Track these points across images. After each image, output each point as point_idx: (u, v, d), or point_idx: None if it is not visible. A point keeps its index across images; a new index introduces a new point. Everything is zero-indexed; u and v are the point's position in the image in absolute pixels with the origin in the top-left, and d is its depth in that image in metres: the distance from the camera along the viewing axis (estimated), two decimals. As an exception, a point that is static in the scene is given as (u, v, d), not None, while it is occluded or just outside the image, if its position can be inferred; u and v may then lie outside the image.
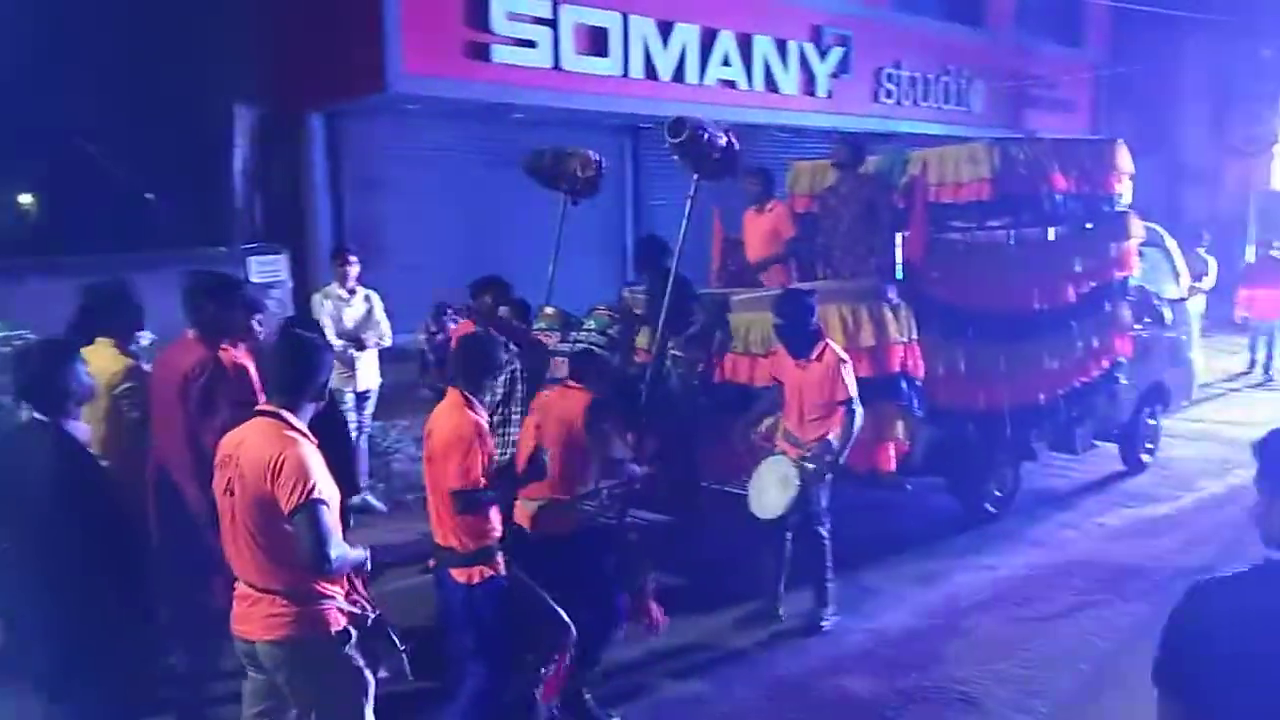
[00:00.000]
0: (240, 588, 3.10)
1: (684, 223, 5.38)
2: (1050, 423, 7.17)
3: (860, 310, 5.67)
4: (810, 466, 4.95)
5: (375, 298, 7.36)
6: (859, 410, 5.03)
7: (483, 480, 3.65)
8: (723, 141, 5.15)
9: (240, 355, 4.16)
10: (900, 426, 5.77)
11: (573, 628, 4.03)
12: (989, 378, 6.45)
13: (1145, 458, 8.44)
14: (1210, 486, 8.08)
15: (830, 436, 4.99)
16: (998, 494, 7.09)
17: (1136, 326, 7.72)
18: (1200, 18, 15.94)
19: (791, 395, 5.19)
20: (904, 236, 6.14)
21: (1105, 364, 7.38)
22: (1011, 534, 6.94)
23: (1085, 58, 16.65)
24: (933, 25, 14.16)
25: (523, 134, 10.39)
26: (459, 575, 3.72)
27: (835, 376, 5.02)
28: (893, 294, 5.82)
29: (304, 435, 3.04)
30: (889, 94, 13.40)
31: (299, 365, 3.13)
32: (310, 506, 2.90)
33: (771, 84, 11.92)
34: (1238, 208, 16.66)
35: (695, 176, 5.29)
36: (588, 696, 4.36)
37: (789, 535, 5.36)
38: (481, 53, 9.14)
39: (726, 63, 11.35)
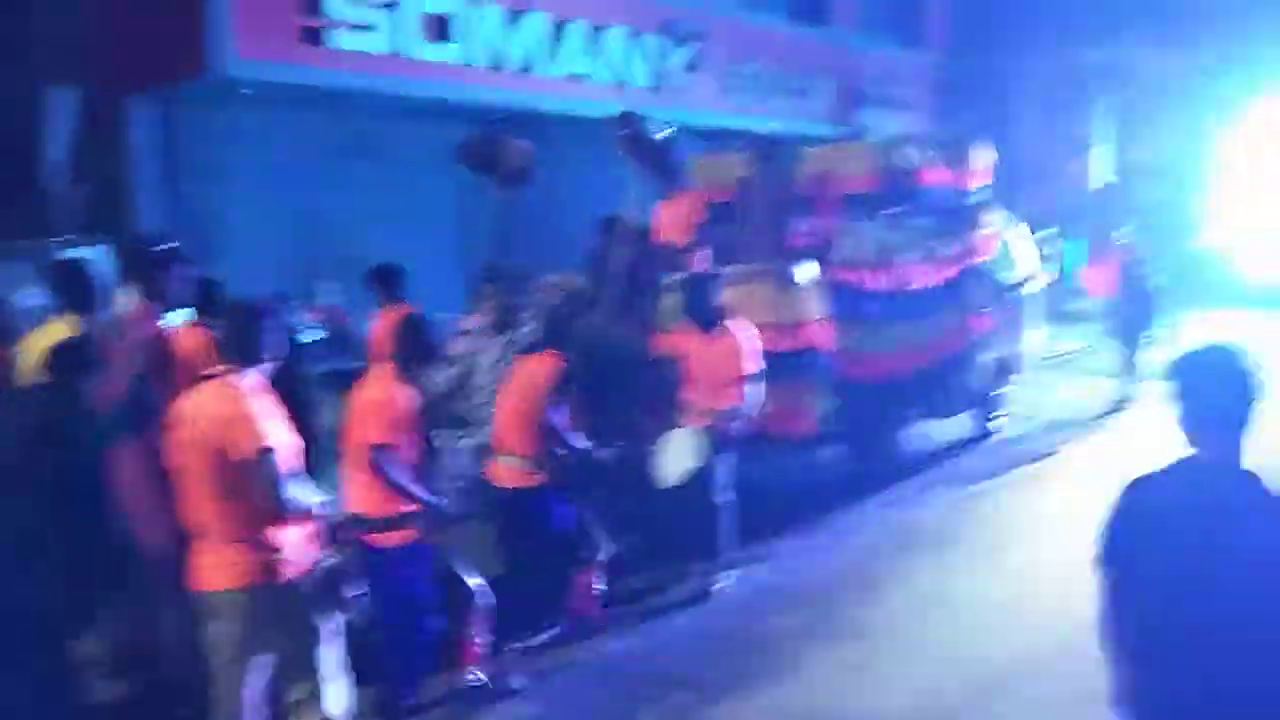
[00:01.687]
0: (198, 542, 3.28)
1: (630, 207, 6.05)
2: (926, 391, 7.91)
3: (780, 291, 6.23)
4: (705, 438, 5.19)
5: None
6: (761, 385, 5.37)
7: (392, 438, 3.87)
8: (660, 136, 5.82)
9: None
10: (816, 395, 6.40)
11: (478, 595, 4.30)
12: (880, 350, 7.18)
13: (995, 423, 9.29)
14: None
15: (730, 406, 5.29)
16: (889, 454, 7.92)
17: (987, 307, 8.46)
18: (1032, 20, 16.86)
19: (696, 369, 5.44)
20: (811, 224, 6.84)
21: (966, 339, 8.13)
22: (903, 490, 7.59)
23: (923, 59, 17.37)
24: (780, 25, 14.51)
25: (366, 123, 10.20)
26: (377, 541, 3.94)
27: (740, 350, 5.34)
28: (807, 275, 6.36)
29: (250, 391, 3.26)
30: (740, 89, 13.64)
31: (245, 332, 3.35)
32: (263, 454, 3.15)
33: (622, 78, 11.96)
34: (1075, 201, 17.62)
35: (636, 166, 5.98)
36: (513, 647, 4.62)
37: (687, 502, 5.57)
38: (317, 37, 8.84)
39: (579, 55, 11.32)
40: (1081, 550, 2.55)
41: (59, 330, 4.15)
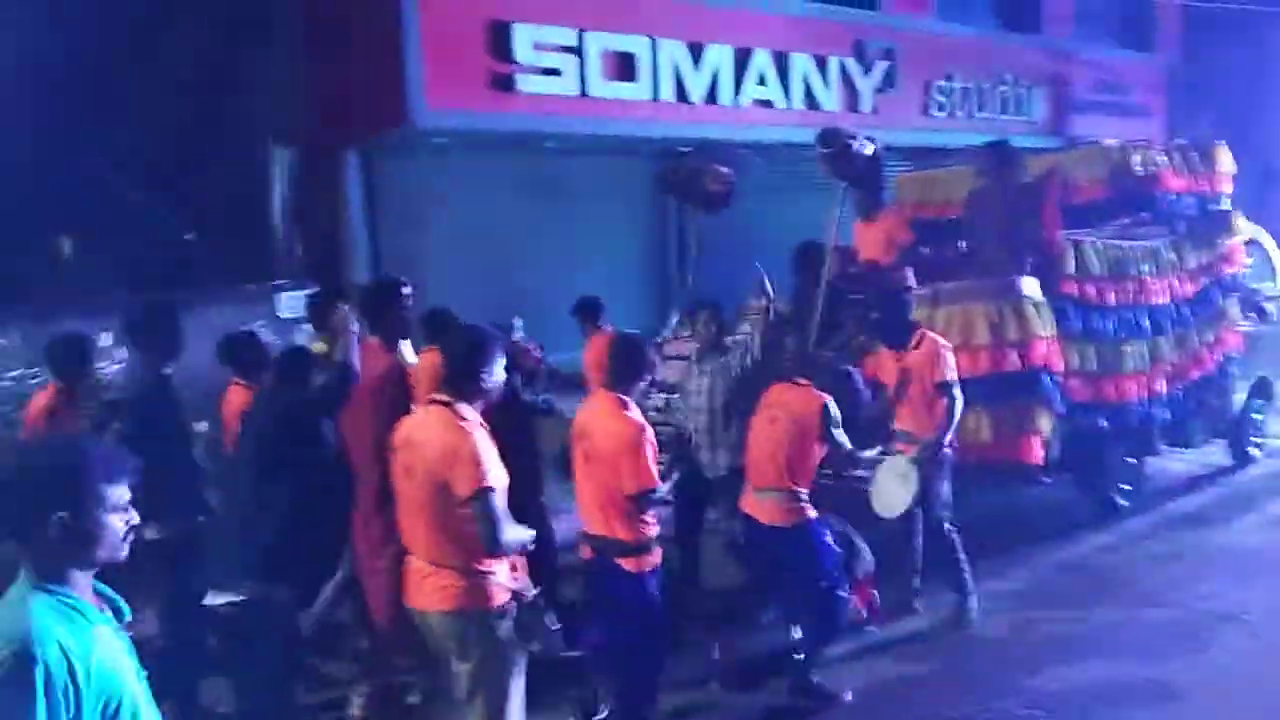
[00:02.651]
0: (414, 562, 3.35)
1: (833, 228, 5.92)
2: (1171, 416, 7.31)
3: (1005, 307, 5.90)
4: (919, 465, 5.04)
5: None
6: (959, 396, 5.15)
7: (657, 482, 3.92)
8: (869, 152, 5.58)
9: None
10: (1044, 420, 5.97)
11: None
12: (1118, 372, 6.71)
13: (1253, 451, 8.63)
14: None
15: (940, 428, 5.14)
16: (1125, 487, 7.26)
17: (1243, 322, 7.95)
18: (1275, 13, 15.15)
19: (895, 391, 5.33)
20: (1040, 235, 6.43)
21: (1218, 358, 7.62)
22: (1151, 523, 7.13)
23: (1156, 61, 15.96)
24: (984, 34, 13.77)
25: (556, 163, 10.51)
26: (630, 565, 3.97)
27: (934, 361, 5.16)
28: (1034, 290, 6.02)
29: (475, 425, 3.26)
30: (940, 107, 13.03)
31: (471, 360, 3.35)
32: (483, 494, 3.13)
33: (812, 101, 11.72)
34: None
35: (843, 185, 5.86)
36: (816, 679, 4.69)
37: (918, 531, 5.48)
38: (506, 83, 9.19)
39: (762, 82, 11.20)
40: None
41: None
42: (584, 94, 9.70)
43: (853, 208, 6.52)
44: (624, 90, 10.03)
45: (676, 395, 5.82)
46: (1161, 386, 7.06)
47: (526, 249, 10.28)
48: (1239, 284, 7.93)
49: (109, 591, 2.07)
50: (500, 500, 3.19)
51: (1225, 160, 7.88)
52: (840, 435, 4.60)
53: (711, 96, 10.78)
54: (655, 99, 10.30)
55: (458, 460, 3.15)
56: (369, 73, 9.06)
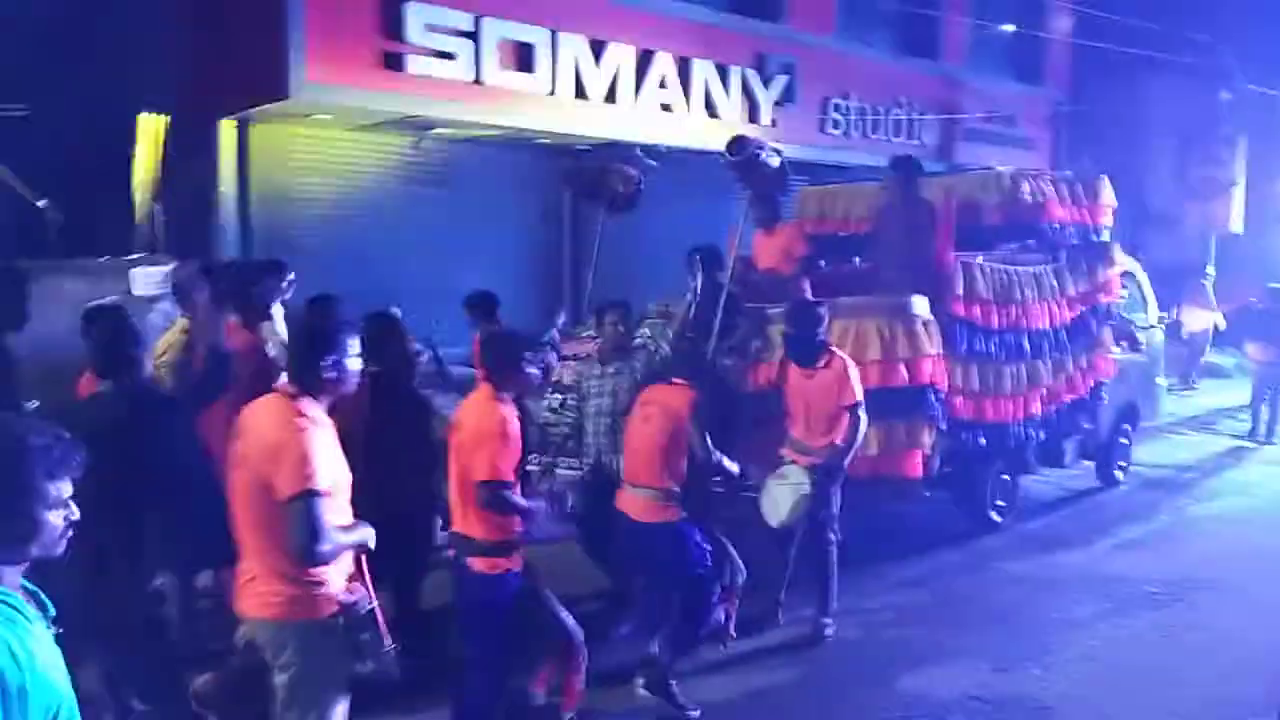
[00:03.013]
0: (242, 564, 3.08)
1: (735, 236, 6.11)
2: (1045, 437, 7.52)
3: (896, 324, 5.96)
4: (814, 476, 5.05)
5: None
6: (864, 416, 5.18)
7: (510, 476, 3.72)
8: (775, 163, 5.65)
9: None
10: (928, 436, 6.07)
11: (578, 640, 4.12)
12: (998, 392, 6.83)
13: (1118, 474, 8.98)
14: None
15: (838, 442, 5.14)
16: (1001, 503, 7.44)
17: (1115, 350, 8.20)
18: (1161, 58, 15.85)
19: (797, 404, 5.34)
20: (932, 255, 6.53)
21: (1091, 383, 7.83)
22: (1013, 543, 7.25)
23: (1044, 95, 16.53)
24: (883, 57, 14.00)
25: (446, 150, 10.15)
26: (480, 565, 3.77)
27: (844, 381, 5.17)
28: (924, 309, 6.12)
29: (313, 421, 2.97)
30: (836, 124, 13.17)
31: (312, 349, 3.06)
32: (304, 497, 2.85)
33: (712, 109, 11.66)
34: (1199, 250, 16.45)
35: (749, 193, 5.99)
36: (674, 684, 4.52)
37: (794, 542, 5.40)
38: (395, 63, 8.81)
39: (663, 85, 11.08)
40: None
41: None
42: (478, 81, 9.39)
43: (753, 218, 6.53)
44: (520, 81, 9.75)
45: (572, 395, 5.72)
46: (1038, 408, 7.22)
47: (411, 236, 9.91)
48: (1114, 313, 8.19)
49: (33, 587, 1.90)
50: (325, 506, 2.90)
51: (1106, 194, 8.17)
52: (703, 437, 4.56)
53: (611, 96, 10.60)
54: (553, 93, 10.05)
55: (283, 458, 2.89)
56: (247, 39, 8.58)
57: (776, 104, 12.33)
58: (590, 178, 6.76)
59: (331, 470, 2.98)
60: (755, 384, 6.00)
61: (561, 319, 7.17)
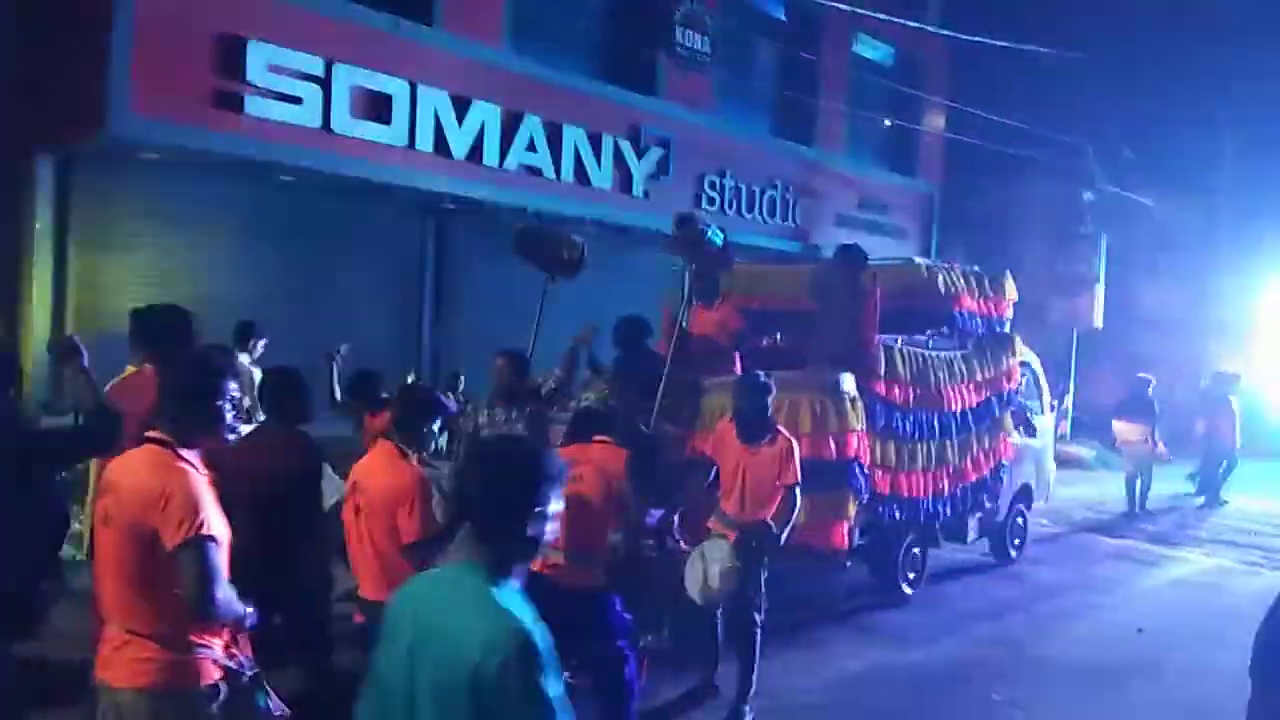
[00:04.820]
0: (108, 629, 2.79)
1: (683, 310, 6.40)
2: (951, 512, 7.76)
3: (827, 400, 6.18)
4: (742, 552, 4.93)
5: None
6: (800, 496, 5.15)
7: (436, 527, 3.66)
8: (719, 240, 5.82)
9: None
10: (852, 508, 6.26)
11: None
12: (912, 468, 7.11)
13: (1013, 552, 9.23)
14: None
15: (769, 520, 5.04)
16: (911, 575, 7.68)
17: (1015, 434, 8.61)
18: (1030, 156, 16.46)
19: (732, 478, 5.23)
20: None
21: (993, 463, 8.17)
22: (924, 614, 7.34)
23: (917, 188, 16.93)
24: (760, 139, 14.11)
25: (293, 199, 9.59)
26: None
27: (787, 460, 5.12)
28: (851, 387, 6.35)
29: (194, 466, 2.79)
30: (711, 201, 13.12)
31: (193, 390, 2.86)
32: (198, 542, 2.66)
33: (583, 176, 11.44)
34: (1062, 344, 16.88)
35: (691, 267, 6.26)
36: None
37: (718, 619, 5.38)
38: (232, 102, 8.30)
39: (532, 148, 10.82)
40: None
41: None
42: (327, 128, 8.93)
43: (695, 292, 6.71)
44: (375, 132, 9.34)
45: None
46: (946, 485, 7.52)
47: (255, 288, 9.22)
48: (1014, 400, 8.55)
49: None
50: (219, 555, 2.72)
51: (1010, 289, 8.66)
52: (639, 498, 4.47)
53: (476, 154, 10.27)
54: (411, 146, 9.65)
55: (168, 504, 2.66)
56: (70, 67, 7.96)
57: (651, 176, 12.22)
58: (535, 242, 6.84)
59: (220, 524, 2.78)
60: (690, 451, 6.04)
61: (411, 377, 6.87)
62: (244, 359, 6.90)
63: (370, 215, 10.10)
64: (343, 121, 9.06)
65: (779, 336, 7.84)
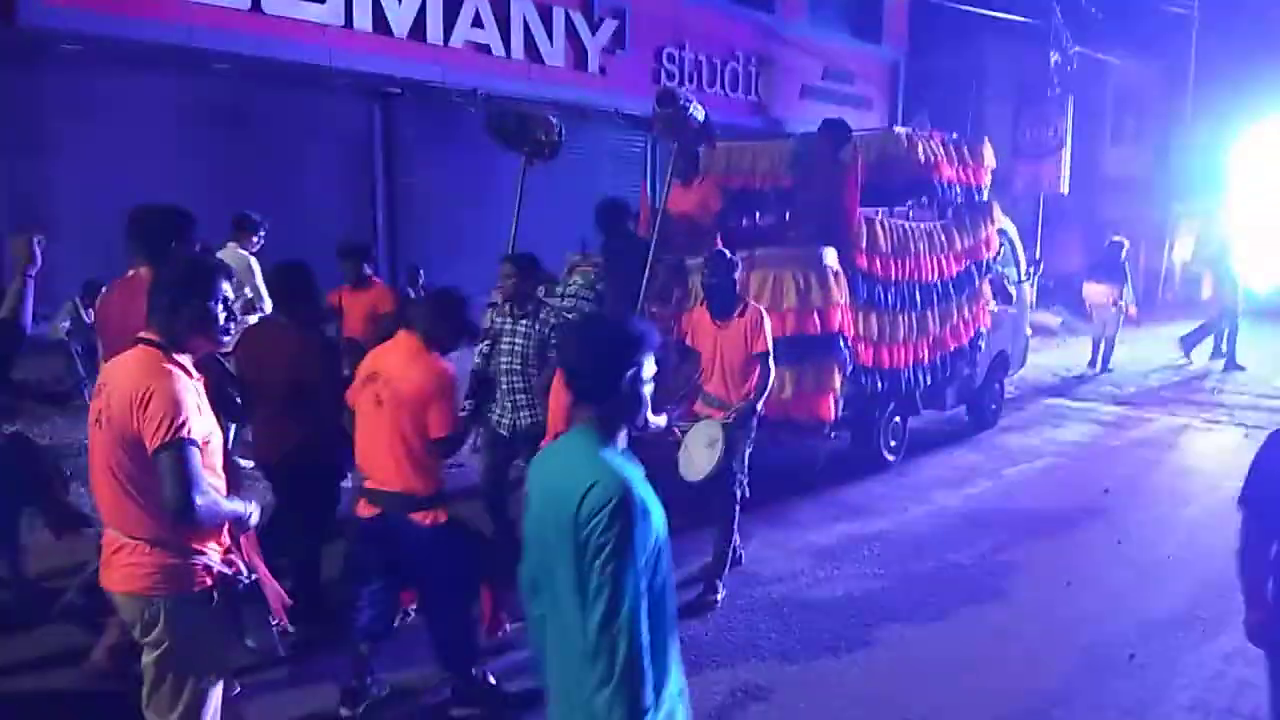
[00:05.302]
0: (107, 533, 2.82)
1: (665, 190, 6.13)
2: (931, 382, 7.87)
3: (810, 274, 6.22)
4: (729, 427, 4.97)
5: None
6: (773, 367, 5.21)
7: (460, 425, 3.84)
8: (701, 117, 5.79)
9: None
10: (837, 380, 6.36)
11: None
12: (893, 340, 7.21)
13: (991, 418, 9.45)
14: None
15: (750, 394, 5.13)
16: (893, 443, 7.88)
17: (992, 302, 8.66)
18: (995, 19, 15.97)
19: (710, 357, 5.28)
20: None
21: (972, 332, 8.26)
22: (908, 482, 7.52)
23: (882, 54, 16.43)
24: (719, 7, 13.52)
25: (229, 88, 9.08)
26: (422, 518, 3.78)
27: (757, 330, 5.16)
28: (834, 261, 6.39)
29: (182, 368, 2.75)
30: (670, 76, 12.64)
31: (183, 291, 2.76)
32: (177, 445, 2.63)
33: (534, 54, 10.94)
34: (1028, 209, 16.75)
35: (674, 145, 6.15)
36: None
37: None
38: (153, -16, 7.75)
39: (478, 23, 10.29)
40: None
41: None
42: (257, 9, 8.40)
43: (675, 170, 6.51)
44: (308, 11, 8.82)
45: (487, 344, 5.51)
46: (926, 355, 7.64)
47: (194, 185, 8.78)
48: (992, 268, 8.64)
49: None
50: (199, 458, 2.68)
51: (988, 156, 8.59)
52: None
53: (419, 32, 9.74)
54: (348, 25, 9.13)
55: (148, 406, 2.63)
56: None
57: (605, 51, 11.71)
58: (511, 125, 6.61)
59: (203, 425, 2.74)
60: (678, 334, 6.00)
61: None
62: (242, 252, 6.85)
63: (312, 102, 9.62)
64: (272, 1, 8.51)
65: (759, 214, 7.83)
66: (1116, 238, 13.19)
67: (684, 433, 5.03)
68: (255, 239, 7.11)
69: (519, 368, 5.19)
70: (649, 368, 2.25)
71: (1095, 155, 18.59)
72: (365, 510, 3.85)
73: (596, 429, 2.21)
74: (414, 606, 4.38)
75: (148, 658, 2.80)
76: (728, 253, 5.31)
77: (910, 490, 7.28)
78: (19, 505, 4.86)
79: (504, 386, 5.24)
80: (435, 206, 10.73)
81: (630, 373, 2.20)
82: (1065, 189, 16.94)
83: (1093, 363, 12.87)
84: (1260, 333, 15.20)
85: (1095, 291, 12.84)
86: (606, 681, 2.04)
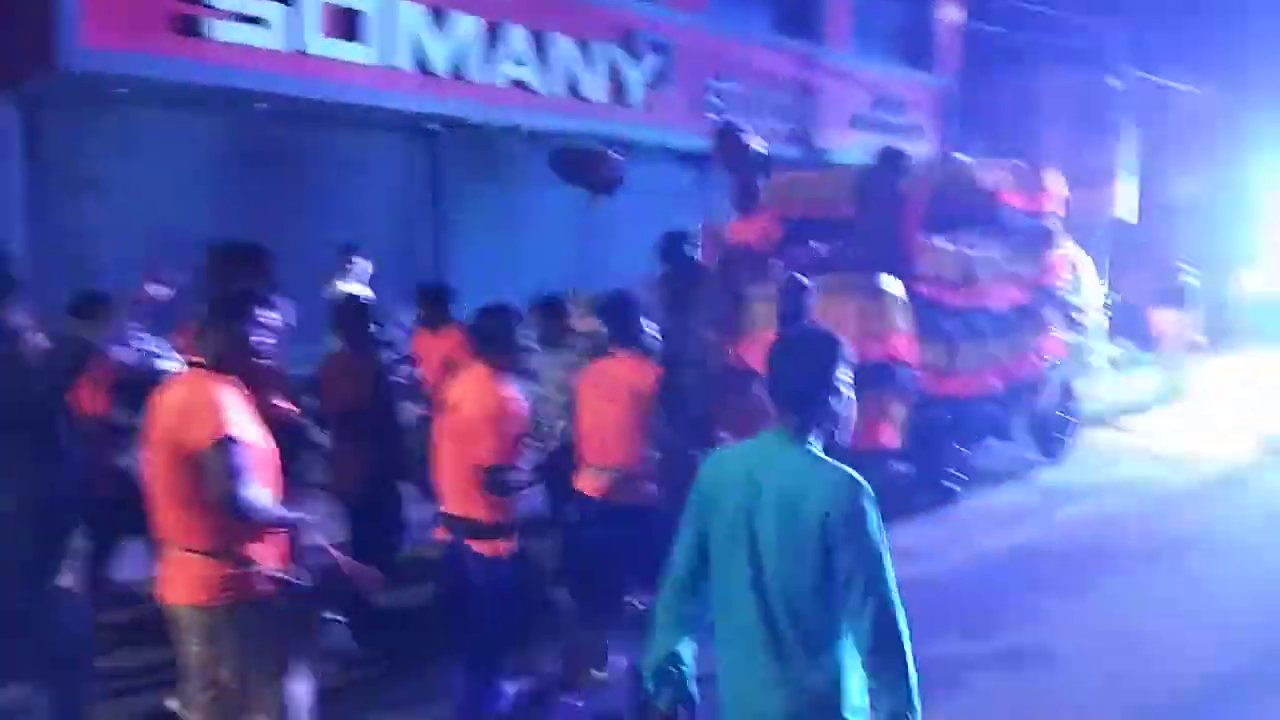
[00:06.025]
0: (165, 549, 2.98)
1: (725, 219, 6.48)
2: (997, 411, 7.84)
3: (870, 302, 6.29)
4: None
5: None
6: (853, 396, 4.70)
7: (515, 459, 3.76)
8: (759, 148, 5.94)
9: None
10: (898, 409, 6.38)
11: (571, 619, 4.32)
12: (959, 368, 7.19)
13: (1058, 449, 9.19)
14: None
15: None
16: (960, 475, 7.72)
17: (1061, 332, 8.55)
18: (1051, 44, 15.61)
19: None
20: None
21: (1040, 362, 8.20)
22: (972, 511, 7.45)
23: (933, 82, 16.15)
24: (762, 39, 13.40)
25: (271, 128, 9.16)
26: (482, 548, 3.76)
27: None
28: (896, 288, 6.40)
29: (228, 384, 2.95)
30: (717, 110, 12.50)
31: (224, 317, 3.04)
32: (222, 443, 2.80)
33: (575, 89, 10.90)
34: (1084, 237, 16.23)
35: (734, 177, 6.26)
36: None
37: None
38: (193, 27, 7.84)
39: (520, 62, 10.29)
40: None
41: None
42: (297, 50, 8.47)
43: (733, 202, 6.63)
44: (349, 51, 8.86)
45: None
46: (991, 384, 7.57)
47: (237, 224, 8.84)
48: (1059, 297, 8.52)
49: None
50: (244, 455, 2.84)
51: (1054, 183, 8.56)
52: (668, 415, 4.37)
53: (459, 70, 9.76)
54: (390, 66, 9.17)
55: (194, 413, 2.85)
56: (19, 3, 7.51)
57: (649, 86, 11.64)
58: (576, 161, 6.88)
59: (252, 432, 2.91)
60: (736, 361, 6.04)
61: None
62: (344, 284, 7.17)
63: (355, 142, 9.69)
64: (313, 41, 8.59)
65: (820, 243, 7.86)
66: (1181, 264, 13.08)
67: None
68: (353, 268, 7.49)
69: (559, 399, 5.16)
70: (848, 380, 2.39)
71: (1162, 182, 18.01)
72: (439, 535, 3.94)
73: (797, 433, 2.32)
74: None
75: (223, 672, 2.90)
76: (802, 278, 5.30)
77: (949, 531, 6.96)
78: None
79: (544, 418, 5.18)
80: (485, 242, 10.70)
81: (835, 385, 2.37)
82: (1134, 218, 16.40)
83: (1168, 394, 12.51)
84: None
85: (1164, 319, 12.64)
86: (888, 667, 2.10)
